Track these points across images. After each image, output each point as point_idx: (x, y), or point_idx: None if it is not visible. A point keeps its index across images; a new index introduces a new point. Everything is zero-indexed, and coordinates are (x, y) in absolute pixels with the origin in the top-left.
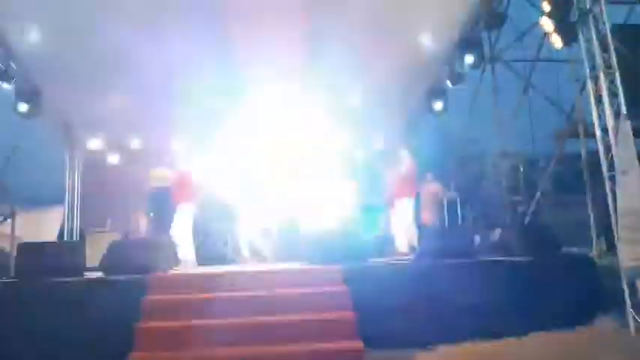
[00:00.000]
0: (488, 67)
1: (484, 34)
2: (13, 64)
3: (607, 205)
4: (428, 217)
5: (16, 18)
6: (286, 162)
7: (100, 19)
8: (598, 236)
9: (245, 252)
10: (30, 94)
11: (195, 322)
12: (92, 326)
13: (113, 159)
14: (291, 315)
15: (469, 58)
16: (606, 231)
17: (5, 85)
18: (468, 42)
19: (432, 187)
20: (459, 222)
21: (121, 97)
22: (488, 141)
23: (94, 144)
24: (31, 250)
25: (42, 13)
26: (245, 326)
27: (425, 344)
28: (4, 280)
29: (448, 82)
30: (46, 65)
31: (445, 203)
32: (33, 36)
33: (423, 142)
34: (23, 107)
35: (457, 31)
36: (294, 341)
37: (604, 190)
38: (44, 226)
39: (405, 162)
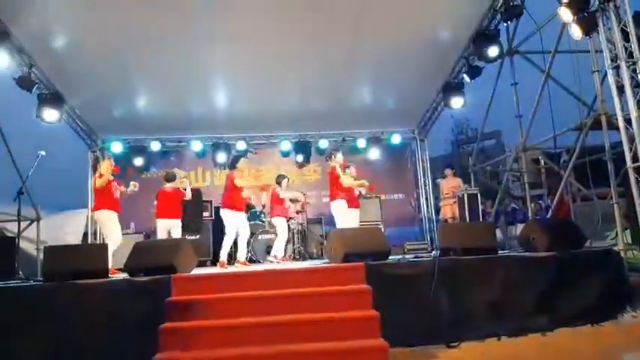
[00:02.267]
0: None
1: (502, 27)
2: (35, 71)
3: (632, 198)
4: (448, 212)
5: (38, 25)
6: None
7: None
8: (623, 229)
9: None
10: (53, 100)
11: (218, 321)
12: (117, 327)
13: (134, 161)
14: (314, 314)
15: (487, 51)
16: (631, 224)
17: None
18: (485, 35)
19: (452, 183)
20: (480, 217)
21: (143, 100)
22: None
23: (116, 147)
24: (56, 253)
25: (64, 19)
26: (268, 325)
27: (448, 341)
28: (31, 282)
29: (466, 76)
30: (69, 71)
31: (466, 198)
32: (55, 42)
33: (441, 136)
34: (46, 113)
35: (475, 24)
36: (318, 340)
37: (628, 182)
38: (68, 230)
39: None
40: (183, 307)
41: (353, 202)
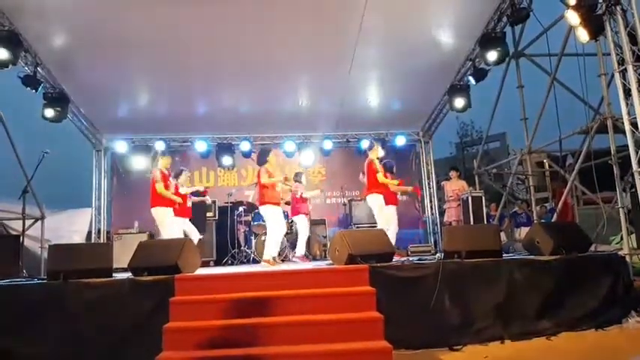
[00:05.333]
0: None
1: (508, 30)
2: (41, 70)
3: (637, 202)
4: (452, 215)
5: (43, 24)
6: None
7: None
8: (628, 233)
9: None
10: (58, 98)
11: (222, 322)
12: (120, 327)
13: (139, 160)
14: (318, 315)
15: (493, 54)
16: (636, 228)
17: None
18: (491, 38)
19: (456, 185)
20: (485, 220)
21: (147, 100)
22: (514, 137)
23: (120, 146)
24: (60, 252)
25: (68, 18)
26: (271, 325)
27: (452, 344)
28: (35, 281)
29: (471, 79)
30: (73, 70)
31: (470, 201)
32: (60, 41)
33: (446, 138)
34: (50, 112)
35: (481, 27)
36: (322, 341)
37: (634, 185)
38: (72, 228)
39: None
40: (187, 307)
41: (391, 198)
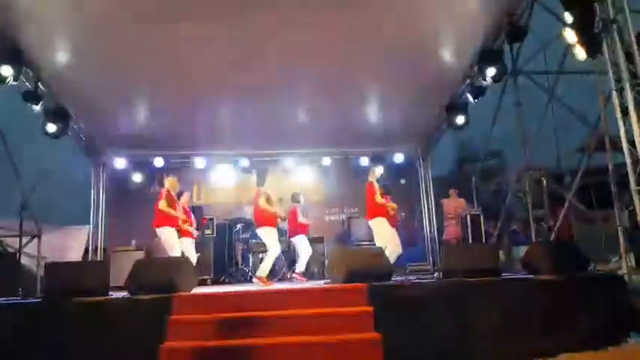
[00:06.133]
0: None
1: (506, 47)
2: (41, 86)
3: (635, 220)
4: (451, 233)
5: (44, 40)
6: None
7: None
8: (627, 252)
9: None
10: (58, 114)
11: (219, 342)
12: (117, 346)
13: (137, 178)
14: (316, 335)
15: (491, 72)
16: (635, 247)
17: (34, 106)
18: (489, 55)
19: (455, 202)
20: (483, 238)
21: (146, 117)
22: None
23: (120, 163)
24: (57, 270)
25: (69, 35)
26: (267, 346)
27: None
28: (31, 299)
29: (470, 96)
30: (74, 86)
31: (469, 219)
32: (61, 58)
33: (444, 156)
34: (51, 127)
35: (479, 44)
36: None
37: (632, 204)
38: (69, 245)
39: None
40: (184, 327)
41: (391, 221)
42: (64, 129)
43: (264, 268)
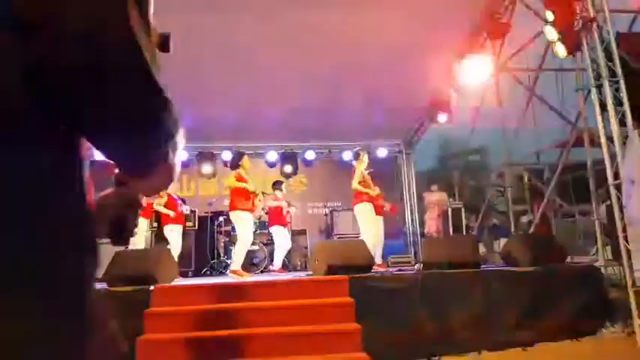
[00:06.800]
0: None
1: (488, 44)
2: None
3: (612, 214)
4: (432, 226)
5: None
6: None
7: None
8: (603, 245)
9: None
10: None
11: (198, 333)
12: None
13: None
14: (297, 326)
15: (473, 69)
16: (612, 240)
17: None
18: (472, 52)
19: (437, 196)
20: (464, 231)
21: None
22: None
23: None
24: None
25: None
26: (248, 337)
27: (429, 355)
28: None
29: (452, 93)
30: None
31: (450, 212)
32: None
33: (427, 151)
34: None
35: (461, 40)
36: (299, 354)
37: (609, 198)
38: None
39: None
40: (162, 319)
41: (377, 209)
42: None
43: (236, 261)
